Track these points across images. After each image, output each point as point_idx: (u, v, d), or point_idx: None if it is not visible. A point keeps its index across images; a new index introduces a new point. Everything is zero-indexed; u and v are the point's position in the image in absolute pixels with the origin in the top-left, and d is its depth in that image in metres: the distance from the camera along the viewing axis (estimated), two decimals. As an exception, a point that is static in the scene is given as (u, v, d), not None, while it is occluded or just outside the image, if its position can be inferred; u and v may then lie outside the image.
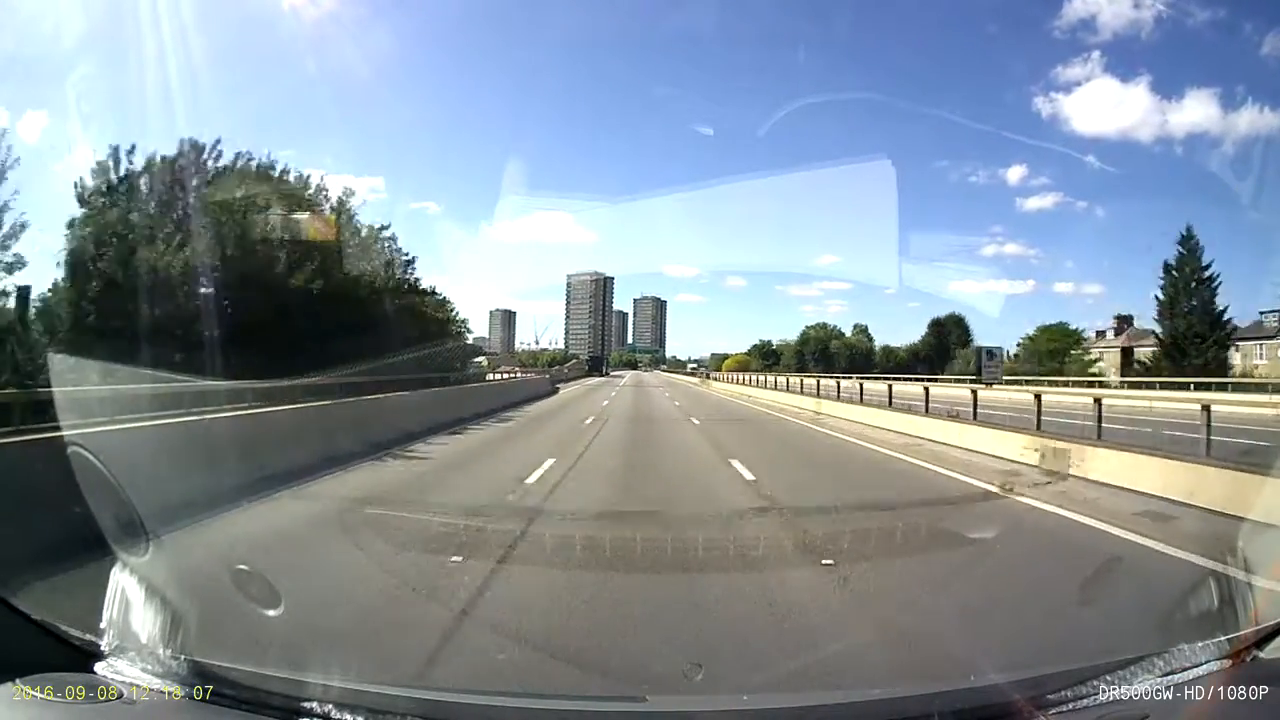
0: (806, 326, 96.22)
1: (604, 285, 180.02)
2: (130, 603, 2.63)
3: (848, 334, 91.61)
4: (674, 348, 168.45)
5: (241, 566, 4.75)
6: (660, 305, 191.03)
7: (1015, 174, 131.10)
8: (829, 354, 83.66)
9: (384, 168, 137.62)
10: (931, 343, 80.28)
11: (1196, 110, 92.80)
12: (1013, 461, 10.57)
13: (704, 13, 75.29)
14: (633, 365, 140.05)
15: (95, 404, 8.99)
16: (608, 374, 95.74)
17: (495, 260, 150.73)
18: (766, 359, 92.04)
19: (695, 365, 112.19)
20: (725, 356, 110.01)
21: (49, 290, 18.28)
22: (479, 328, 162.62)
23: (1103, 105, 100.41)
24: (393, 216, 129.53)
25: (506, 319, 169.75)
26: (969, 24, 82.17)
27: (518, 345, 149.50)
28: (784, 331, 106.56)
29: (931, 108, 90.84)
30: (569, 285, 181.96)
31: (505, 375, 48.41)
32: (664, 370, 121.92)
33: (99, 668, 1.92)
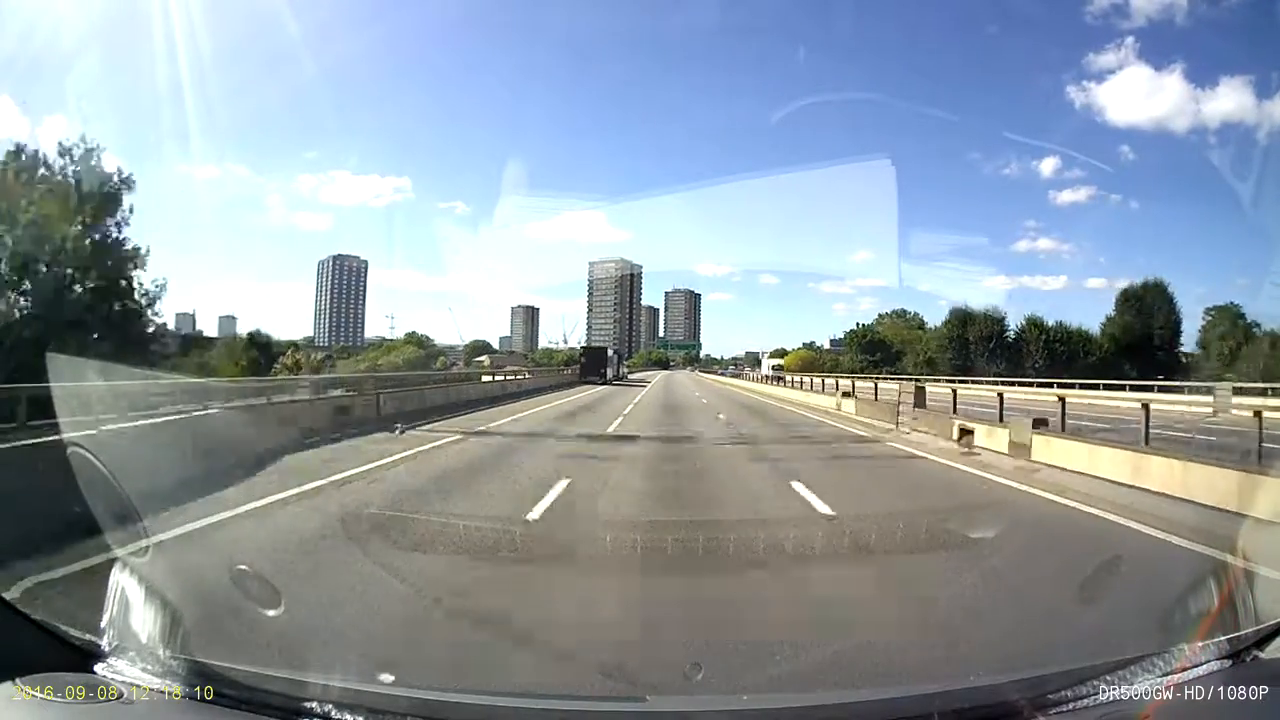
0: (880, 315, 70.51)
1: (631, 276, 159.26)
2: (130, 603, 2.63)
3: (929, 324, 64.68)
4: (706, 346, 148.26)
5: (241, 566, 4.73)
6: (694, 299, 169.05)
7: (1048, 166, 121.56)
8: (1006, 343, 54.34)
9: (410, 168, 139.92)
10: (1129, 325, 53.51)
11: (1230, 98, 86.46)
12: None
13: (721, 10, 75.05)
14: (663, 364, 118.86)
15: None
16: (620, 379, 56.61)
17: (523, 259, 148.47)
18: (869, 352, 62.03)
19: (775, 365, 69.42)
20: (782, 353, 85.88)
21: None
22: (501, 326, 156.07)
23: (1135, 94, 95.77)
24: (420, 215, 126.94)
25: (529, 315, 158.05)
26: (1002, 11, 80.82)
27: (544, 343, 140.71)
28: (815, 330, 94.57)
29: (946, 104, 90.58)
30: (591, 276, 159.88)
31: (505, 378, 34.47)
32: (720, 375, 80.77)
33: (99, 668, 1.92)
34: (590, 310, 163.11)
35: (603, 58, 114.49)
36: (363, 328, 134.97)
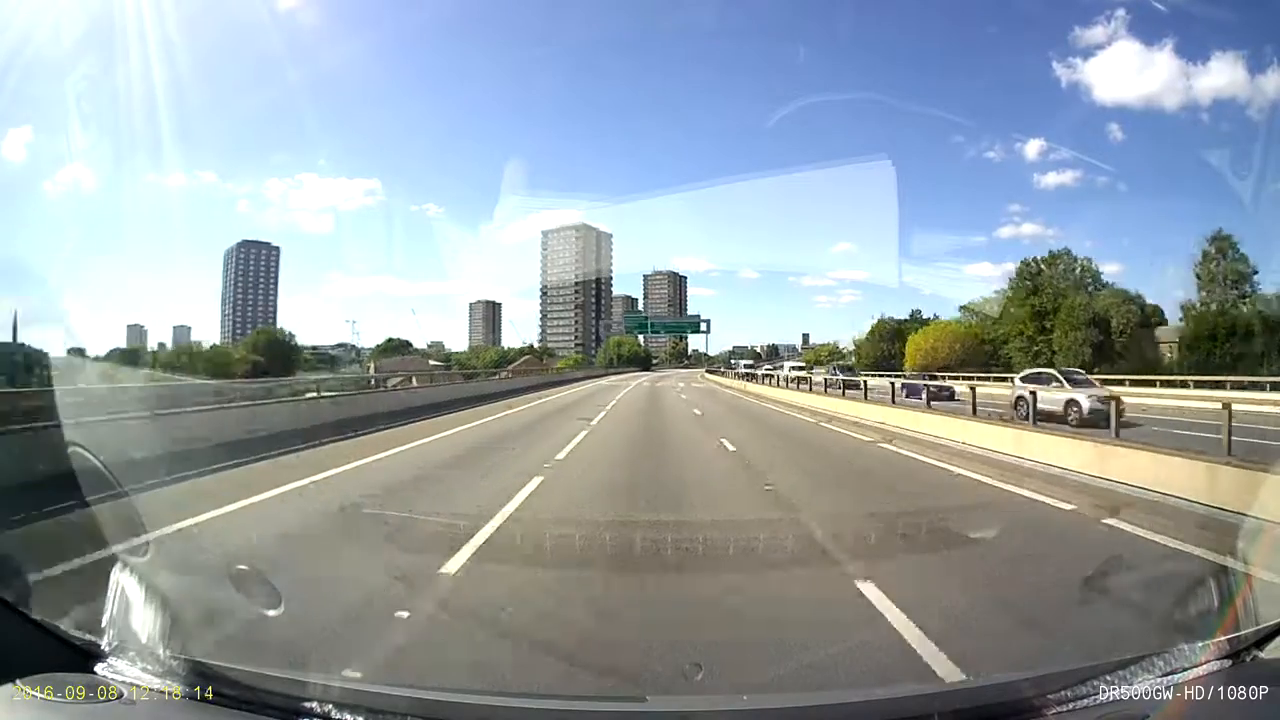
0: (1024, 261, 49.05)
1: (596, 259, 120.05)
2: (130, 603, 2.63)
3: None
4: (696, 341, 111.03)
5: (241, 566, 4.73)
6: (679, 283, 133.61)
7: (1033, 148, 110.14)
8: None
9: (380, 170, 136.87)
10: None
11: (1222, 74, 78.47)
12: None
13: (711, 9, 74.58)
14: (642, 362, 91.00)
15: None
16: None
17: (501, 260, 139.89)
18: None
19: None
20: (862, 343, 63.17)
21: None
22: (476, 328, 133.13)
23: (1125, 71, 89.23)
24: (392, 217, 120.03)
25: (489, 312, 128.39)
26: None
27: (517, 343, 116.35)
28: (801, 324, 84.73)
29: (938, 95, 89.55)
30: (545, 250, 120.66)
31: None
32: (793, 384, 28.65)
33: (99, 668, 1.92)
34: (544, 296, 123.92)
35: (590, 59, 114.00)
36: (275, 323, 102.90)
